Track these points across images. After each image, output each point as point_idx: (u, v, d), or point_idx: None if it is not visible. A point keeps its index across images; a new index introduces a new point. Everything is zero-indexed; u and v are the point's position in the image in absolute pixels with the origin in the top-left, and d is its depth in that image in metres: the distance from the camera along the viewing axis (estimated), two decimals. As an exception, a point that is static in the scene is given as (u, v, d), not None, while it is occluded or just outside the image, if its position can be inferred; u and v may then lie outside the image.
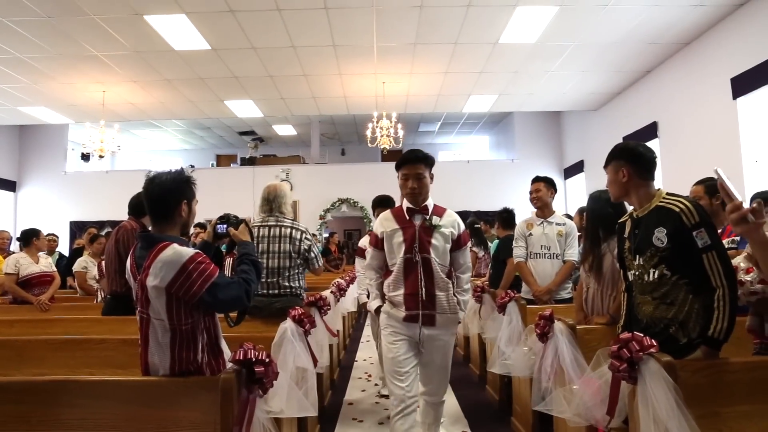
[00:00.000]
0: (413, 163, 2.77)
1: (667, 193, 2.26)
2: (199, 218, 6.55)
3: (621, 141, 9.73)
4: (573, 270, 4.03)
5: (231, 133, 15.37)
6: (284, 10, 6.65)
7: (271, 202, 3.55)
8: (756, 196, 3.44)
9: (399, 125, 10.01)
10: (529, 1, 6.45)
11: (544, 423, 3.22)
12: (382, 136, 9.83)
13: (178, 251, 1.90)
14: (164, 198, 2.01)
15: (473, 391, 4.80)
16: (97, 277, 5.25)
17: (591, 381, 2.14)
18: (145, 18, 6.70)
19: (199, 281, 1.89)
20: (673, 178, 7.89)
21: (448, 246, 2.77)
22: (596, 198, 3.12)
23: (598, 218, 3.06)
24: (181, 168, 2.08)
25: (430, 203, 2.82)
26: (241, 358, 1.81)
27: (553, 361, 2.58)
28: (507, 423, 3.87)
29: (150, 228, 2.10)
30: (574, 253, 3.99)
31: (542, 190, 4.09)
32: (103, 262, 4.40)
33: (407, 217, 2.79)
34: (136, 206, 3.82)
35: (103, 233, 6.01)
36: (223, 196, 11.27)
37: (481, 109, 11.43)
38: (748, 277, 2.31)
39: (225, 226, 2.38)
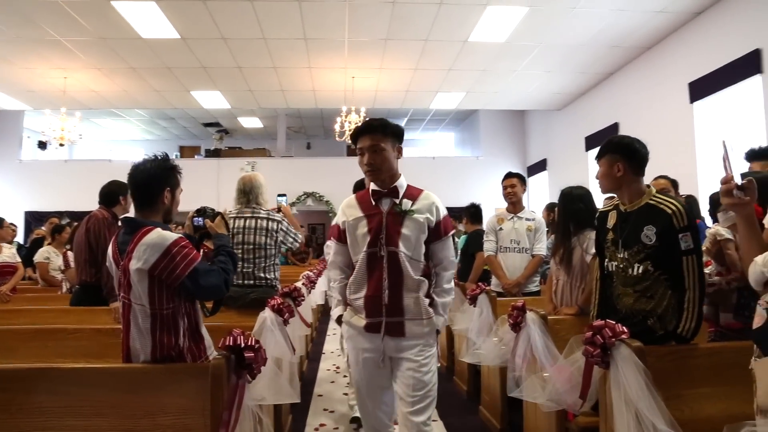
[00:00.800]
0: (369, 133, 2.25)
1: (657, 191, 2.37)
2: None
3: (583, 141, 10.05)
4: (541, 264, 4.18)
5: (195, 125, 15.10)
6: (257, 1, 6.60)
7: (248, 194, 3.55)
8: (745, 176, 3.44)
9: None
10: (500, 1, 6.57)
11: (514, 411, 3.33)
12: (350, 130, 9.85)
13: (162, 234, 1.92)
14: (148, 184, 2.03)
15: (441, 382, 4.87)
16: (63, 267, 5.10)
17: (563, 368, 2.24)
18: (113, 4, 6.54)
19: (182, 264, 1.91)
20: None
21: (423, 236, 2.22)
22: (567, 194, 3.25)
23: (569, 213, 3.18)
24: (165, 154, 2.08)
25: (401, 184, 2.29)
26: (230, 344, 1.84)
27: (526, 350, 2.68)
28: (476, 411, 3.98)
29: (124, 215, 2.11)
30: (542, 247, 4.13)
31: (517, 186, 4.22)
32: (70, 253, 4.31)
33: (373, 202, 2.27)
34: (107, 195, 3.75)
35: (64, 223, 5.86)
36: (188, 187, 10.88)
37: (448, 106, 11.56)
38: (706, 270, 2.46)
39: (201, 219, 2.41)
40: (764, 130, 5.82)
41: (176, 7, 6.71)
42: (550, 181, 11.91)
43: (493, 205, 10.47)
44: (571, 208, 3.17)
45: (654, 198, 2.32)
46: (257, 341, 1.89)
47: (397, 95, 10.64)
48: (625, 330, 1.96)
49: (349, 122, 9.86)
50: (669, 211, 2.24)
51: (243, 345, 1.84)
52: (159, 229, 1.93)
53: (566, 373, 2.21)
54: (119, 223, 2.53)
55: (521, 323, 2.78)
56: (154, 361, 1.91)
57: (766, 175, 2.44)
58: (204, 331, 2.10)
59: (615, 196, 2.50)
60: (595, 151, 8.75)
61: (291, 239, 3.65)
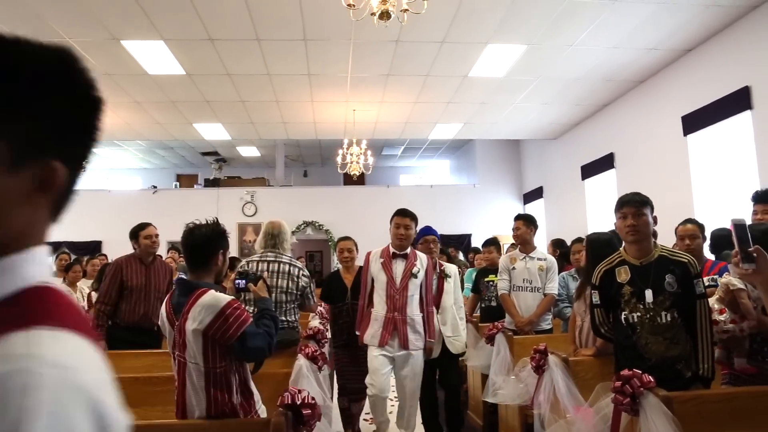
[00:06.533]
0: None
1: (662, 246, 2.55)
2: (162, 239, 6.43)
3: (579, 170, 10.27)
4: (553, 302, 4.30)
5: (193, 153, 15.23)
6: (263, 41, 6.80)
7: (275, 238, 3.68)
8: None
9: (369, 152, 10.25)
10: (500, 40, 6.82)
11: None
12: (352, 162, 10.05)
13: (216, 296, 2.04)
14: (203, 248, 2.15)
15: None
16: (86, 308, 5.03)
17: (589, 413, 2.37)
18: (122, 43, 6.72)
19: (234, 326, 2.02)
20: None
21: None
22: (594, 239, 3.38)
23: (596, 257, 3.29)
24: (216, 219, 2.21)
25: None
26: (289, 402, 1.94)
27: (549, 392, 2.80)
28: (492, 448, 4.07)
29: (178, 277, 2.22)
30: (554, 286, 4.25)
31: (522, 228, 4.36)
32: (94, 294, 4.36)
33: None
34: None
35: (73, 258, 5.89)
36: (187, 217, 11.00)
37: (445, 137, 11.79)
38: (721, 317, 2.61)
39: (244, 281, 2.52)
40: (755, 164, 6.04)
41: (184, 45, 6.89)
42: (547, 208, 12.11)
43: (489, 232, 10.64)
44: (599, 254, 3.27)
45: (665, 250, 2.54)
46: (313, 398, 2.00)
47: (396, 126, 10.85)
48: (652, 380, 2.09)
49: (351, 154, 10.06)
50: (685, 260, 2.48)
51: (300, 402, 1.94)
52: (213, 291, 2.05)
53: (592, 419, 2.33)
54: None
55: (544, 366, 2.90)
56: (208, 417, 2.01)
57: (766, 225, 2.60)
58: (252, 387, 2.21)
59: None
60: (592, 179, 8.84)
61: (309, 292, 3.76)
